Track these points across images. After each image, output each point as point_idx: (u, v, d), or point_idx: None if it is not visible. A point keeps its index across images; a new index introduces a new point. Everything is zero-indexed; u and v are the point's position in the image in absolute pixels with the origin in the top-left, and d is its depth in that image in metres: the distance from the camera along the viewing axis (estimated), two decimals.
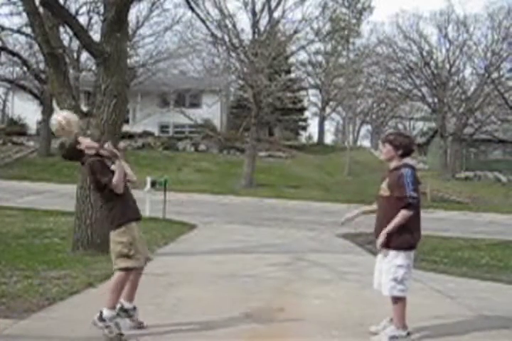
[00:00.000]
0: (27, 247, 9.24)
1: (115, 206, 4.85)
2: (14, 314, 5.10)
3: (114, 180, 4.76)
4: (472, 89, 39.66)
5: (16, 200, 18.46)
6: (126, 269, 4.78)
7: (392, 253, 4.83)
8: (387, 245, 4.83)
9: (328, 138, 69.70)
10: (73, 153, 5.00)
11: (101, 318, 4.63)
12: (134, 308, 4.98)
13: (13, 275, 6.70)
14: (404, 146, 4.90)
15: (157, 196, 16.27)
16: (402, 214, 4.73)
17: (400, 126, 64.60)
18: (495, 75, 37.22)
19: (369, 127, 65.49)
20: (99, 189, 4.85)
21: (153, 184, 16.41)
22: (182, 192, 24.00)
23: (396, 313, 4.89)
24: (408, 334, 4.86)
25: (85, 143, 5.02)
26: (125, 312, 4.93)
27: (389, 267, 4.84)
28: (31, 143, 36.87)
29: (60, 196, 20.36)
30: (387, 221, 4.80)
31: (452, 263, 10.30)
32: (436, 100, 38.99)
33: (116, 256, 4.79)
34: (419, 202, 4.84)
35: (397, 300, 4.88)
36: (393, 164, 4.94)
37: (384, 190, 4.92)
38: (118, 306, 4.84)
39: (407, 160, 5.02)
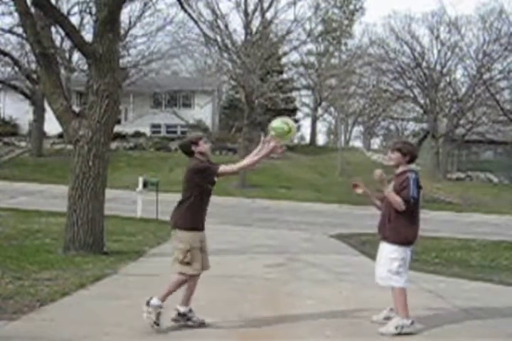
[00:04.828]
0: (18, 248, 9.20)
1: (189, 208, 5.04)
2: (5, 315, 5.08)
3: (239, 165, 5.06)
4: (464, 90, 39.78)
5: (7, 201, 18.37)
6: (183, 274, 5.05)
7: (389, 247, 5.31)
8: (389, 240, 5.30)
9: (321, 139, 69.85)
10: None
11: (148, 303, 4.95)
12: (190, 310, 5.16)
13: (4, 276, 6.67)
14: (411, 153, 5.44)
15: (149, 196, 16.25)
16: (400, 200, 5.17)
17: (392, 127, 64.78)
18: (486, 76, 37.34)
19: (361, 128, 65.62)
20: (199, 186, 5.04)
21: (145, 184, 16.38)
22: (174, 193, 23.92)
23: (399, 304, 5.24)
24: (412, 323, 5.18)
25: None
26: (183, 316, 5.11)
27: (385, 260, 5.31)
28: (23, 144, 36.72)
29: (51, 196, 20.29)
30: (391, 218, 5.30)
31: (444, 263, 10.34)
32: (427, 101, 39.08)
33: (174, 260, 5.08)
34: (418, 203, 5.32)
35: (398, 291, 5.24)
36: (400, 169, 5.44)
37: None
38: (176, 312, 5.12)
39: (412, 166, 5.55)
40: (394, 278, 5.25)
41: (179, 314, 5.10)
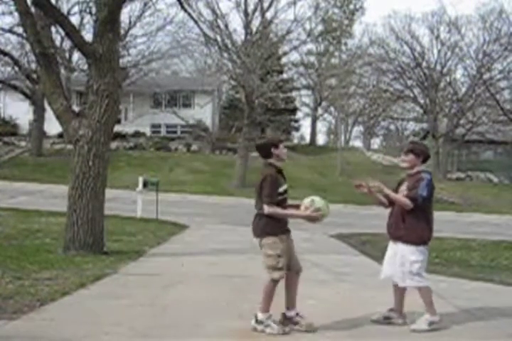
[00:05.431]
0: (18, 248, 9.20)
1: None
2: (5, 315, 5.07)
3: (276, 211, 4.94)
4: (464, 90, 39.77)
5: (7, 201, 18.36)
6: (274, 280, 4.98)
7: (406, 248, 5.31)
8: (403, 240, 5.32)
9: (321, 139, 69.80)
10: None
11: (257, 321, 4.94)
12: (297, 314, 5.06)
13: (4, 276, 6.67)
14: (424, 153, 5.51)
15: (149, 196, 16.24)
16: (405, 199, 5.23)
17: (392, 127, 64.76)
18: (486, 76, 37.32)
19: (361, 128, 65.61)
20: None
21: (145, 184, 16.38)
22: (174, 193, 23.95)
23: (425, 301, 5.34)
24: (440, 320, 5.31)
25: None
26: (289, 319, 5.04)
27: (403, 261, 5.32)
28: (23, 144, 36.72)
29: (51, 196, 20.28)
30: (405, 219, 5.31)
31: (444, 263, 10.33)
32: (427, 101, 39.07)
33: (266, 266, 5.02)
34: (431, 202, 5.41)
35: (424, 290, 5.34)
36: (415, 170, 5.48)
37: (403, 191, 5.41)
38: (282, 316, 5.06)
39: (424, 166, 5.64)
40: (416, 279, 5.30)
41: (285, 317, 5.06)
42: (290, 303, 5.12)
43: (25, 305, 5.42)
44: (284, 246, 5.00)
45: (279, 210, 4.95)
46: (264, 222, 5.03)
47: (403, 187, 5.43)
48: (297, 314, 5.06)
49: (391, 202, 5.48)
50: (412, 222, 5.28)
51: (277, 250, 4.96)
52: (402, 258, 5.32)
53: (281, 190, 5.01)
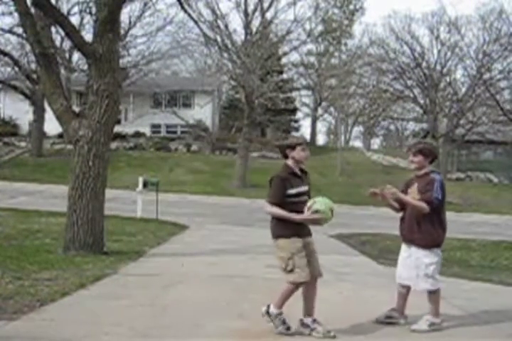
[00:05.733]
0: (18, 248, 9.20)
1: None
2: (5, 315, 5.07)
3: (272, 211, 4.92)
4: (464, 90, 39.72)
5: (7, 201, 18.36)
6: (291, 283, 4.90)
7: (420, 252, 5.30)
8: (416, 243, 5.30)
9: (321, 139, 69.84)
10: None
11: (268, 313, 4.94)
12: (314, 321, 4.97)
13: (4, 276, 6.67)
14: (433, 154, 5.43)
15: (149, 196, 16.24)
16: (421, 204, 5.16)
17: (392, 127, 64.74)
18: (486, 76, 37.28)
19: (361, 128, 65.58)
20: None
21: (145, 184, 16.38)
22: (174, 193, 23.95)
23: (432, 303, 5.33)
24: (441, 322, 5.33)
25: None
26: (307, 327, 4.96)
27: (418, 264, 5.30)
28: (23, 144, 36.73)
29: (51, 196, 20.28)
30: (420, 222, 5.27)
31: (444, 263, 10.30)
32: (427, 101, 39.03)
33: (280, 269, 4.98)
34: (444, 205, 5.32)
35: (432, 292, 5.32)
36: (423, 171, 5.40)
37: (414, 193, 5.33)
38: (299, 322, 5.00)
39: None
40: (430, 282, 5.28)
41: (303, 324, 4.98)
42: (306, 310, 5.03)
43: (25, 306, 5.42)
44: (295, 249, 4.89)
45: (276, 211, 4.89)
46: (274, 224, 4.99)
47: (413, 189, 5.35)
48: (314, 320, 4.97)
49: (402, 207, 5.42)
50: (427, 226, 5.23)
51: (287, 252, 4.87)
52: (416, 260, 5.32)
53: (292, 191, 4.93)
